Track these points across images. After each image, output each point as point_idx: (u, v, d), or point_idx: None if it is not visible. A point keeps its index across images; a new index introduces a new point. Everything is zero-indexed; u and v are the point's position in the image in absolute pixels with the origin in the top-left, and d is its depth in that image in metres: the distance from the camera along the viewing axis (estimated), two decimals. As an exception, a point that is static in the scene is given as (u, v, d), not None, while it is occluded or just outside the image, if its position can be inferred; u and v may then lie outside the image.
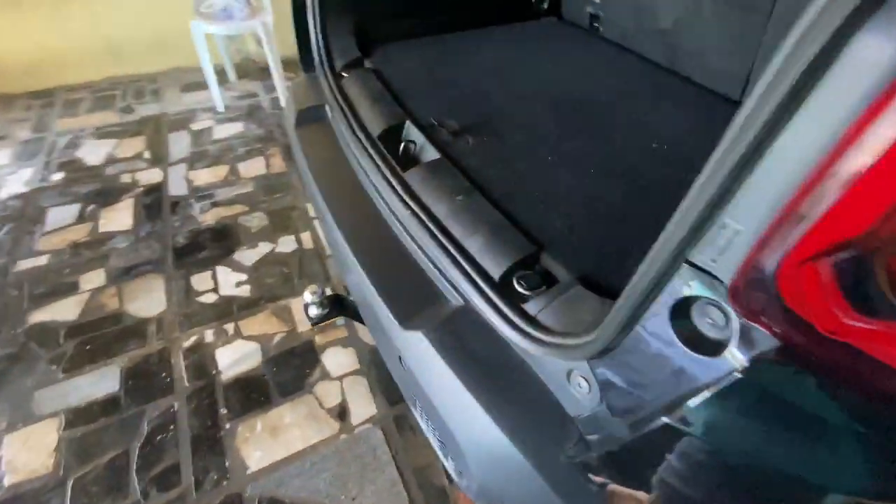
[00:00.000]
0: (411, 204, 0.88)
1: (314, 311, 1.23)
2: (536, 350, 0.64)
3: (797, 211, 0.31)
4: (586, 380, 0.57)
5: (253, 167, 2.27)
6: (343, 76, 1.25)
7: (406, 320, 0.79)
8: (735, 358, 0.39)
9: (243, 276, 1.73)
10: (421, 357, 0.76)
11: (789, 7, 1.02)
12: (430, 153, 0.99)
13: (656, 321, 0.44)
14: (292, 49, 1.37)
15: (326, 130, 1.20)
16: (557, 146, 1.05)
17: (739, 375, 0.40)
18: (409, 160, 1.01)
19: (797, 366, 0.39)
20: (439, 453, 0.87)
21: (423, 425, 0.89)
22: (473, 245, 0.79)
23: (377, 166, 0.97)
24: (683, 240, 0.38)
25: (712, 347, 0.41)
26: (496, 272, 0.75)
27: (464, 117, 1.11)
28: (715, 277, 0.38)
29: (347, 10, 1.32)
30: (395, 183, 0.93)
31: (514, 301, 0.71)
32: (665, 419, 0.47)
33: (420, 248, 0.86)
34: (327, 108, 1.22)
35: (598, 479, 0.58)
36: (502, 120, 1.13)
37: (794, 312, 0.34)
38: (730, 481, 0.49)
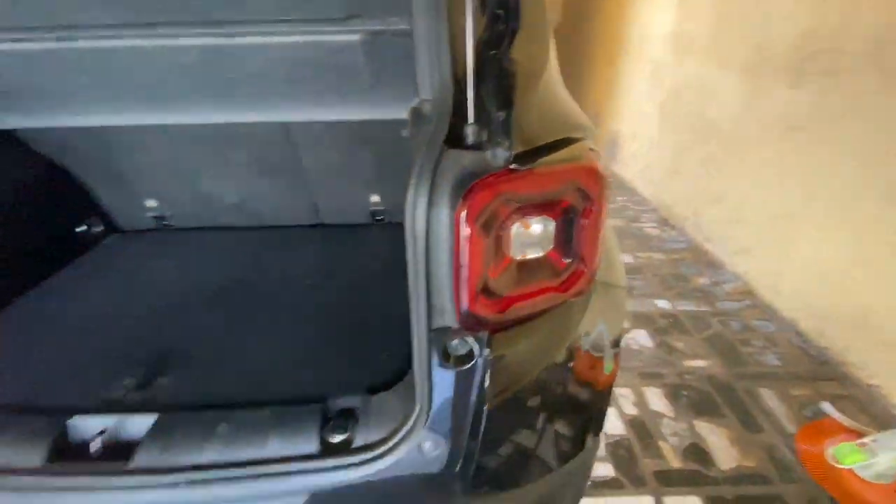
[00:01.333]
0: (169, 475, 0.70)
1: None
2: (402, 452, 0.70)
3: (458, 283, 0.62)
4: (430, 441, 0.69)
5: None
6: None
7: None
8: (483, 351, 0.66)
9: None
10: None
11: (315, 162, 1.33)
12: (138, 424, 0.77)
13: (435, 370, 0.67)
14: None
15: None
16: (242, 323, 1.08)
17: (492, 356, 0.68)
18: (111, 453, 0.75)
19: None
20: None
21: None
22: (273, 447, 0.73)
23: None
24: (426, 324, 0.64)
25: (469, 358, 0.66)
26: (314, 444, 0.73)
27: (128, 365, 0.94)
28: (449, 327, 0.65)
29: None
30: (131, 485, 0.70)
31: (347, 446, 0.73)
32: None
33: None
34: None
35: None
36: (171, 341, 1.04)
37: (479, 316, 0.64)
38: None
